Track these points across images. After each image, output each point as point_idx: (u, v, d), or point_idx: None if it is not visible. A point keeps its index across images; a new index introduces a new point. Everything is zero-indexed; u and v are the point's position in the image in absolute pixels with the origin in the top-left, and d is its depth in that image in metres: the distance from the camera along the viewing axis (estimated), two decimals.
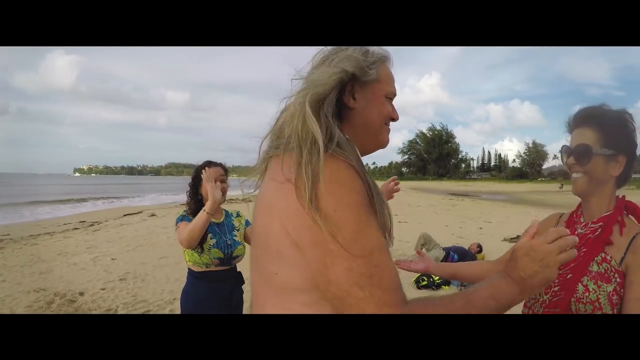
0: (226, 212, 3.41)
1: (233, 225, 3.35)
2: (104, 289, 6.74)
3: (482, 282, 1.16)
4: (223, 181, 3.24)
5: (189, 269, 3.19)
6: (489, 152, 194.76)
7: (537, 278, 1.09)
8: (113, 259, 9.01)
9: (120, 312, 5.77)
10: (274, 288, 1.17)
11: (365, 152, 1.35)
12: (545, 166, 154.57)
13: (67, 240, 11.96)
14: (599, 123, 1.61)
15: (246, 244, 3.22)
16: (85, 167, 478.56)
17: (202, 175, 3.14)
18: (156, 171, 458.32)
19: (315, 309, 1.11)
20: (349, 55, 1.23)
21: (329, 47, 1.30)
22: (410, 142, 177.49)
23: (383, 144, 1.36)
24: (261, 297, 1.23)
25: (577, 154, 1.62)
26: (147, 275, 7.66)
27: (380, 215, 1.10)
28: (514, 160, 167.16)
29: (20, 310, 5.75)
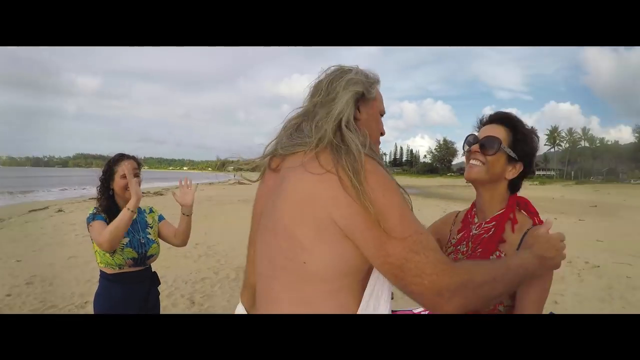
0: (139, 209, 3.18)
1: (146, 222, 3.18)
2: (9, 295, 6.36)
3: (514, 255, 1.53)
4: (137, 175, 3.04)
5: (100, 271, 2.97)
6: (401, 148, 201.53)
7: (553, 261, 1.50)
8: (18, 261, 8.51)
9: None
10: (298, 278, 1.29)
11: None
12: (454, 162, 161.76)
13: None
14: (513, 126, 1.74)
15: (160, 241, 3.16)
16: None
17: (114, 169, 2.98)
18: (64, 162, 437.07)
19: (339, 296, 1.29)
20: (357, 79, 1.46)
21: (332, 69, 1.52)
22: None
23: (378, 152, 1.52)
24: (276, 291, 1.35)
25: (485, 143, 1.72)
26: (56, 277, 7.29)
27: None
28: (425, 155, 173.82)
29: None
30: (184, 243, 3.30)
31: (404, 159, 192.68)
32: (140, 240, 3.02)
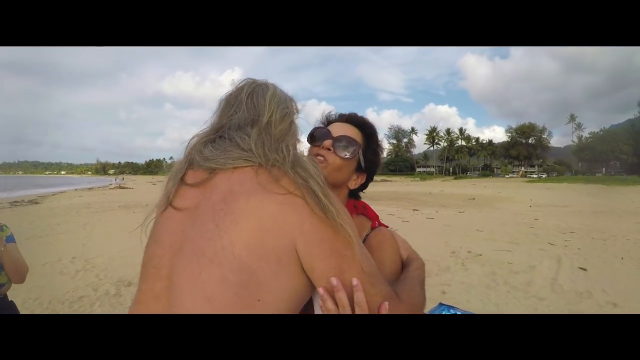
0: None
1: None
2: None
3: (410, 266, 1.52)
4: None
5: None
6: None
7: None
8: None
9: None
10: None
11: None
12: None
13: None
14: (370, 134, 1.65)
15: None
16: None
17: None
18: None
19: None
20: (283, 97, 1.47)
21: (247, 82, 1.49)
22: None
23: None
24: None
25: (342, 142, 1.56)
26: None
27: None
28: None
29: None
30: (16, 281, 2.82)
31: None
32: None
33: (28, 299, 6.56)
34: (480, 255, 9.46)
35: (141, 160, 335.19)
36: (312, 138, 1.61)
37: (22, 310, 6.11)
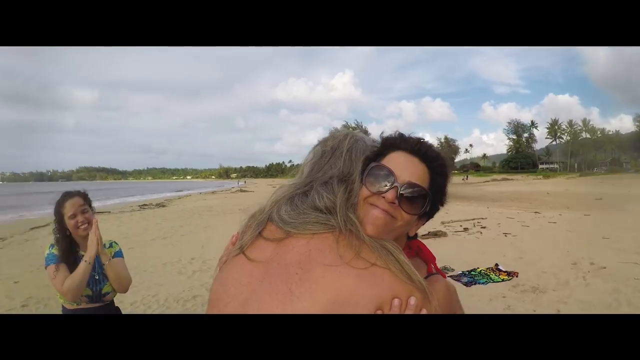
0: None
1: None
2: None
3: None
4: (85, 212, 2.99)
5: (62, 305, 2.99)
6: None
7: None
8: (16, 282, 8.48)
9: None
10: None
11: None
12: (457, 159, 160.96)
13: None
14: (437, 172, 1.29)
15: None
16: None
17: (62, 211, 2.95)
18: (67, 176, 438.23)
19: None
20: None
21: (342, 134, 1.46)
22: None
23: None
24: None
25: (410, 196, 1.22)
26: (50, 299, 6.89)
27: None
28: None
29: None
30: (119, 291, 3.10)
31: None
32: (95, 277, 2.95)
33: (147, 296, 7.04)
34: (604, 268, 8.48)
35: (261, 164, 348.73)
36: (369, 179, 1.25)
37: (140, 306, 6.65)
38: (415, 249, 1.49)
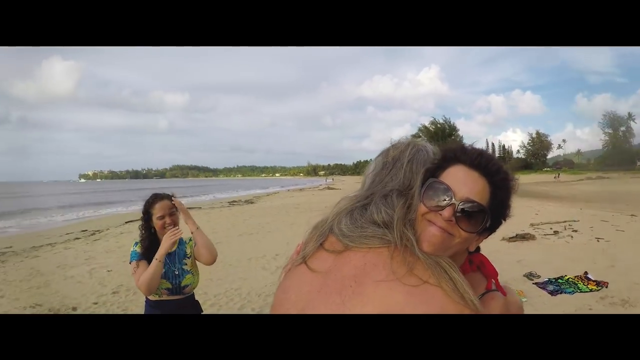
0: (181, 239, 3.28)
1: (185, 253, 3.27)
2: (96, 303, 6.77)
3: None
4: (172, 214, 3.20)
5: (145, 296, 3.17)
6: (493, 144, 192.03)
7: None
8: (109, 271, 8.97)
9: None
10: None
11: None
12: (549, 156, 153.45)
13: (67, 252, 12.02)
14: (497, 186, 1.24)
15: (199, 266, 3.28)
16: (90, 173, 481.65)
17: (151, 212, 3.17)
18: (161, 174, 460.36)
19: None
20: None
21: (403, 144, 1.47)
22: (413, 136, 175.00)
23: None
24: None
25: (469, 213, 1.19)
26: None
27: None
28: (518, 151, 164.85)
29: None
30: (207, 261, 3.29)
31: (497, 155, 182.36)
32: (174, 272, 3.14)
33: (230, 289, 7.14)
34: None
35: (349, 162, 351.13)
36: (427, 194, 1.23)
37: (223, 299, 6.72)
38: (477, 264, 1.42)
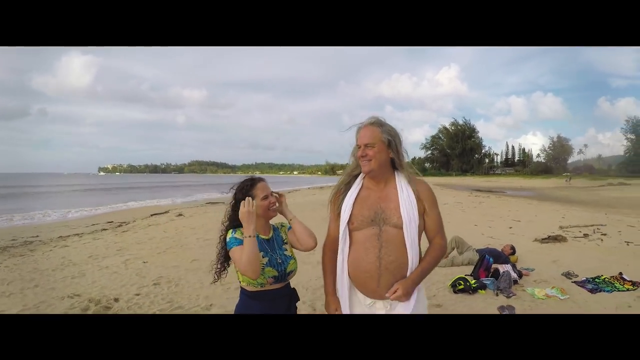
0: (273, 226, 3.24)
1: (282, 239, 3.21)
2: (138, 295, 6.64)
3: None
4: (271, 194, 3.15)
5: (241, 287, 3.06)
6: (513, 147, 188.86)
7: None
8: (144, 262, 8.92)
9: None
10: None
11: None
12: (570, 161, 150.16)
13: (96, 242, 11.96)
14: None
15: (296, 252, 3.22)
16: (109, 166, 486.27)
17: (253, 193, 3.06)
18: (179, 169, 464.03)
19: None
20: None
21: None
22: (433, 137, 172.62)
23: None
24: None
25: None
26: (181, 279, 7.55)
27: None
28: (538, 155, 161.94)
29: None
30: (310, 246, 3.22)
31: (517, 158, 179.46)
32: (277, 259, 3.06)
33: None
34: None
35: None
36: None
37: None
38: None
